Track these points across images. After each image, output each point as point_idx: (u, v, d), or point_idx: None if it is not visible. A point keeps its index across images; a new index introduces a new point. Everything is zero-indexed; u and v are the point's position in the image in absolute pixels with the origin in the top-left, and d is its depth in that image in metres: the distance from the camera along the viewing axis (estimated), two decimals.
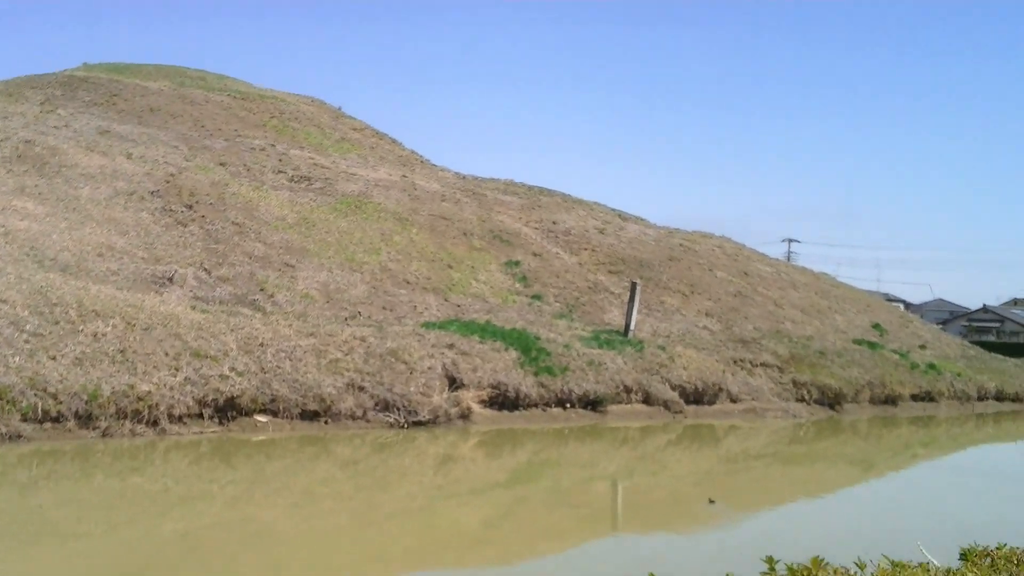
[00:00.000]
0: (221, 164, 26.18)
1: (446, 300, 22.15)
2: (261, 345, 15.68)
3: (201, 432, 14.25)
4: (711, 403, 21.26)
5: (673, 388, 20.63)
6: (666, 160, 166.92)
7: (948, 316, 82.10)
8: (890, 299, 79.40)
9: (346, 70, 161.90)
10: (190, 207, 21.69)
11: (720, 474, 17.03)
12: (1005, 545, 4.53)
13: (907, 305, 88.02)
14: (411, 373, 16.80)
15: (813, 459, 19.78)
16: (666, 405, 20.36)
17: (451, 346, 18.17)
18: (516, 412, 18.22)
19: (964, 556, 4.56)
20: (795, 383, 22.88)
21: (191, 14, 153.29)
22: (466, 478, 15.09)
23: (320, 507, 12.29)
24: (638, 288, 22.55)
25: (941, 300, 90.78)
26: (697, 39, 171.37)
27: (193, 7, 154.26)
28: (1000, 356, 34.50)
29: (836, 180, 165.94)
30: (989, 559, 4.43)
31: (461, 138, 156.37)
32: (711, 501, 12.67)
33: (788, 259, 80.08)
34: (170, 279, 18.27)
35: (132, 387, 13.63)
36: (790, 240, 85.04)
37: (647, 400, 20.29)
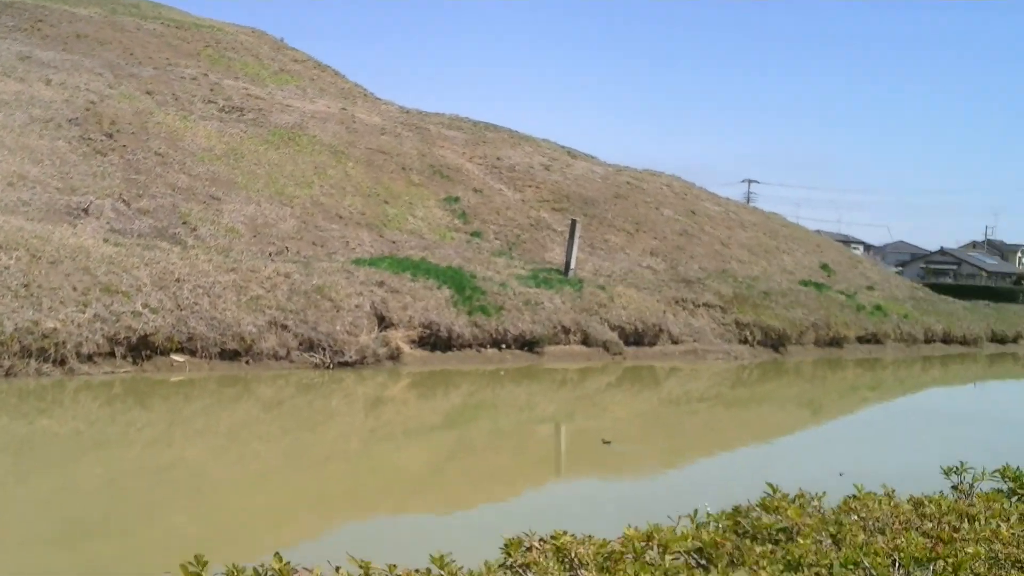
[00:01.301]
0: (147, 93, 25.36)
1: (381, 236, 21.79)
2: (177, 281, 15.26)
3: (113, 372, 13.88)
4: (652, 344, 21.25)
5: (612, 329, 20.56)
6: (632, 102, 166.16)
7: (908, 258, 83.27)
8: (850, 241, 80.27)
9: (297, 3, 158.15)
10: (110, 136, 20.98)
11: (663, 416, 17.04)
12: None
13: (868, 247, 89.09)
14: (337, 311, 16.51)
15: (759, 401, 19.89)
16: (605, 346, 20.30)
17: (381, 284, 17.88)
18: (449, 353, 18.05)
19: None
20: (738, 324, 22.93)
21: None
22: (399, 420, 14.91)
23: (248, 449, 12.08)
24: (578, 226, 22.34)
25: (902, 242, 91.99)
26: None
27: None
28: (949, 298, 34.97)
29: (800, 125, 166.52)
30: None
31: (413, 74, 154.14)
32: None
33: (748, 200, 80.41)
34: (85, 210, 17.70)
35: (36, 323, 13.20)
36: (750, 181, 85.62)
37: (586, 341, 20.22)
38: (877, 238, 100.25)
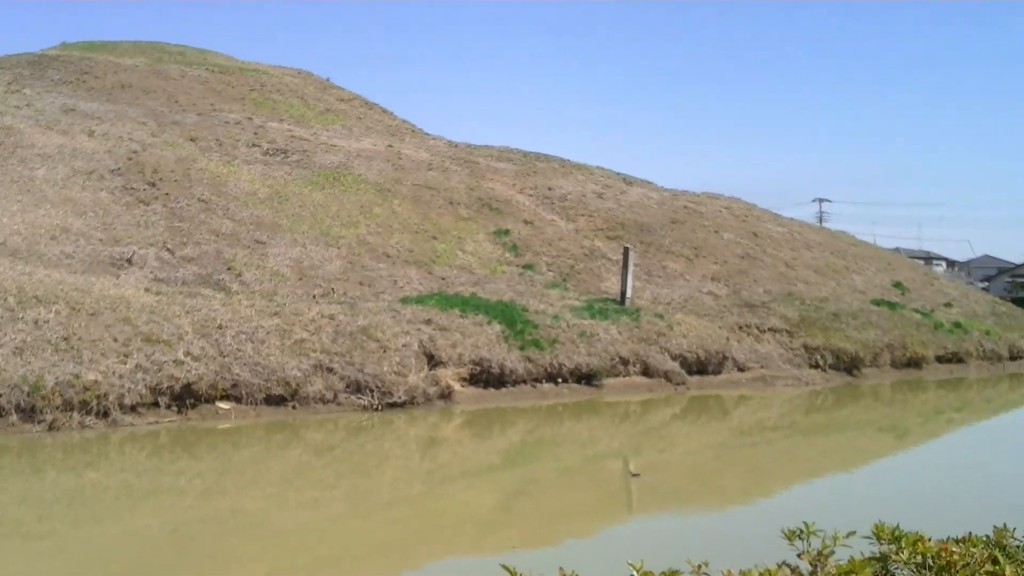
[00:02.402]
0: (191, 139, 25.64)
1: (430, 273, 21.58)
2: (219, 327, 15.17)
3: (157, 422, 13.80)
4: (716, 373, 20.64)
5: (673, 358, 20.02)
6: (697, 126, 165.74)
7: (995, 272, 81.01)
8: (932, 257, 78.35)
9: (344, 43, 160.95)
10: (153, 184, 21.17)
11: (737, 447, 16.51)
12: None
13: (951, 263, 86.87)
14: (384, 352, 16.27)
15: (837, 428, 19.16)
16: (667, 376, 19.76)
17: (428, 321, 17.62)
18: (502, 389, 17.69)
19: None
20: (807, 348, 22.20)
21: None
22: (456, 461, 14.61)
23: (306, 496, 11.89)
24: (631, 254, 21.90)
25: (987, 256, 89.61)
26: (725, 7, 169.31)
27: None
28: None
29: (874, 141, 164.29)
30: None
31: (462, 108, 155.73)
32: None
33: (820, 220, 79.01)
34: (129, 260, 17.78)
35: (78, 376, 13.18)
36: (821, 200, 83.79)
37: (646, 372, 19.70)
38: (960, 253, 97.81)
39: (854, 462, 15.73)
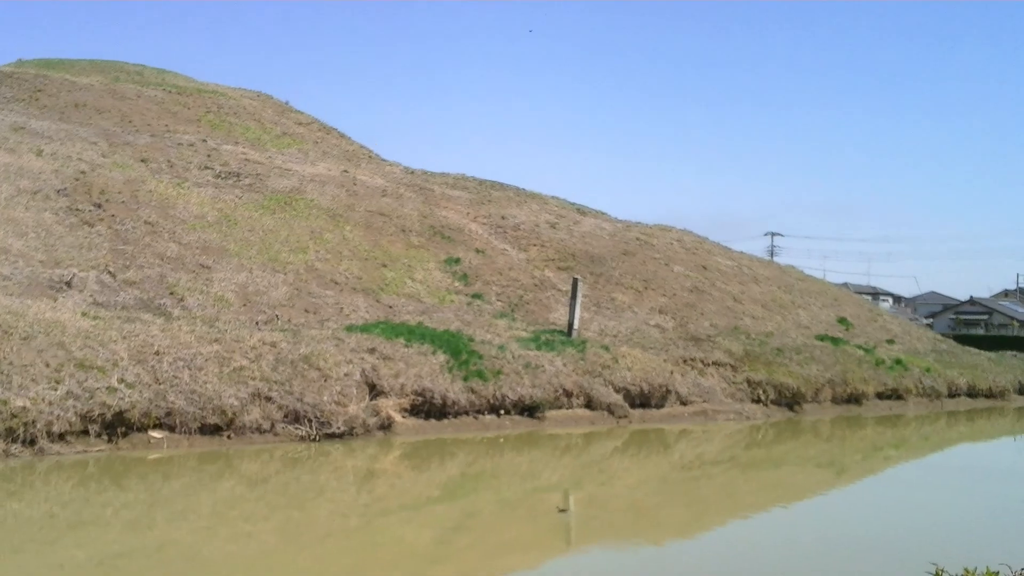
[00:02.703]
0: (142, 160, 25.43)
1: (377, 301, 21.53)
2: (157, 354, 15.00)
3: (85, 451, 13.58)
4: (659, 406, 20.76)
5: (617, 391, 20.12)
6: (653, 157, 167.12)
7: (940, 309, 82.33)
8: (879, 293, 79.52)
9: (307, 67, 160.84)
10: (99, 206, 20.95)
11: (677, 481, 16.57)
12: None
13: (897, 299, 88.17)
14: (325, 381, 16.18)
15: (776, 463, 19.31)
16: (610, 409, 19.85)
17: (372, 350, 17.57)
18: (444, 421, 17.66)
19: None
20: (749, 382, 22.41)
21: (157, 16, 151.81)
22: (393, 494, 14.48)
23: (238, 529, 11.70)
24: (580, 285, 22.01)
25: (933, 293, 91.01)
26: (684, 29, 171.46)
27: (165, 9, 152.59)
28: (974, 350, 34.22)
29: (826, 176, 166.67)
30: None
31: (423, 134, 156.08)
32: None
33: (771, 254, 79.98)
34: (68, 283, 17.56)
35: (5, 403, 12.95)
36: (772, 234, 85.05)
37: (589, 404, 19.77)
38: (908, 290, 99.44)
39: (793, 498, 15.85)
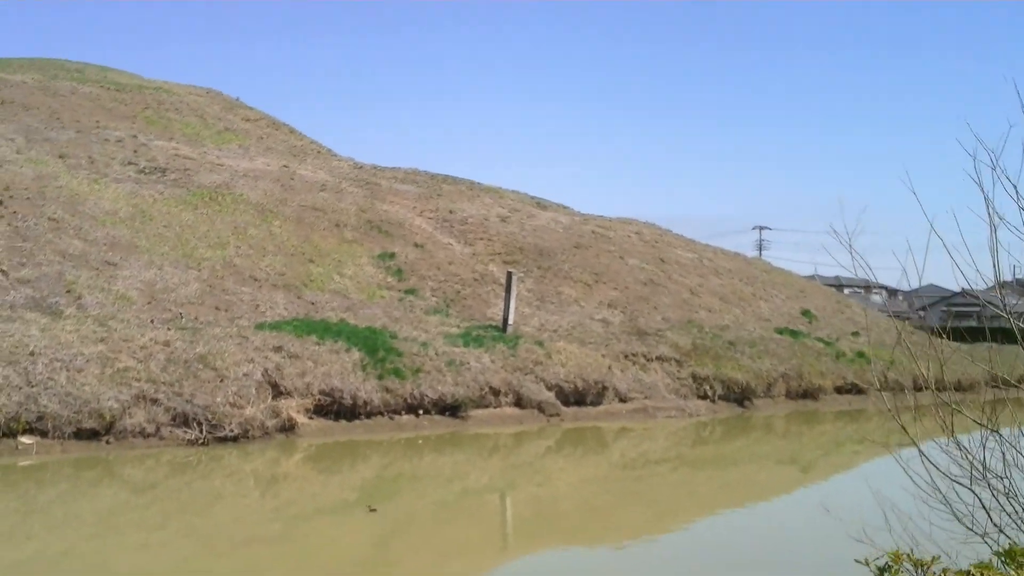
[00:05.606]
0: (60, 156, 24.67)
1: (299, 297, 20.79)
2: (31, 355, 14.28)
3: None
4: (595, 404, 20.06)
5: (549, 388, 19.42)
6: (638, 154, 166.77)
7: (936, 301, 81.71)
8: (871, 286, 78.80)
9: (262, 63, 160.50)
10: (0, 202, 20.17)
11: (620, 480, 16.07)
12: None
13: (892, 292, 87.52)
14: (221, 381, 15.45)
15: (731, 461, 18.66)
16: (540, 407, 19.16)
17: (278, 349, 16.85)
18: (355, 422, 16.97)
19: None
20: (695, 378, 21.72)
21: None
22: (303, 499, 13.81)
23: (129, 539, 11.02)
24: (514, 279, 21.30)
25: (932, 285, 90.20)
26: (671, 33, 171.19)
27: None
28: (950, 342, 33.49)
29: (820, 168, 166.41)
30: None
31: (388, 132, 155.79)
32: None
33: (759, 248, 79.17)
34: None
35: None
36: (761, 228, 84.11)
37: (519, 403, 19.09)
38: (908, 283, 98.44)
39: (758, 497, 15.39)
